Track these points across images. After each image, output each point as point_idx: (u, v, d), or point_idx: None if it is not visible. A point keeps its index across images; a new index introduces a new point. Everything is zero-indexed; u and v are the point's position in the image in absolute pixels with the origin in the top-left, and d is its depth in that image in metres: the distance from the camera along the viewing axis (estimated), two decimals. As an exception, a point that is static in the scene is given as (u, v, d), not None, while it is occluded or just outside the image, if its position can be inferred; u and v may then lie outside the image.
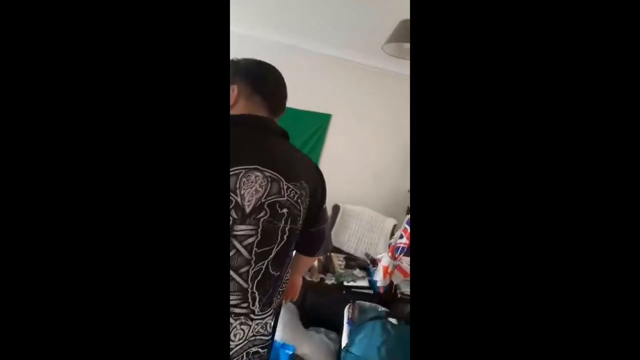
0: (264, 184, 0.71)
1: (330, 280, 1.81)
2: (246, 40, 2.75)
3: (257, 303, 0.75)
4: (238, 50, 3.00)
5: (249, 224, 0.70)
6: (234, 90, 0.81)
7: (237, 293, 0.73)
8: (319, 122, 2.96)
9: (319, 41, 2.63)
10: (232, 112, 0.80)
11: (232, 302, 0.72)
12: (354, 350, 1.49)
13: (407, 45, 1.58)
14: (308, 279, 1.79)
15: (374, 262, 1.88)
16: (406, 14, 1.47)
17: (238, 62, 0.85)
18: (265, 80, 0.84)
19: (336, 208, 2.83)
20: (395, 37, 1.55)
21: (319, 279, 1.80)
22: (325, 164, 3.00)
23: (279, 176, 0.73)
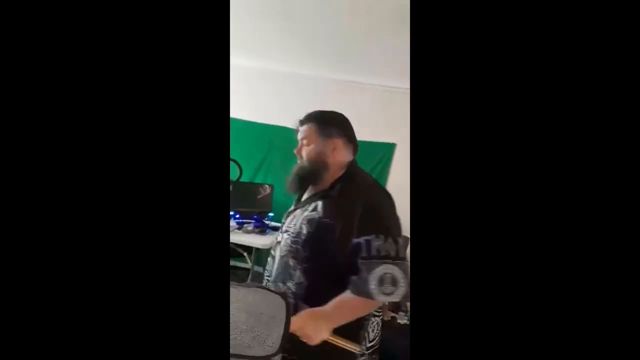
0: None
1: (402, 320, 1.68)
2: (307, 79, 2.90)
3: None
4: (303, 89, 3.17)
5: None
6: (338, 143, 0.96)
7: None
8: (383, 152, 2.92)
9: (375, 74, 2.66)
10: (338, 158, 0.96)
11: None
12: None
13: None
14: (378, 316, 1.69)
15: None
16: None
17: (323, 116, 0.98)
18: (350, 128, 1.00)
19: (406, 239, 2.69)
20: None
21: (389, 318, 1.69)
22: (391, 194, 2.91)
23: None
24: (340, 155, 0.96)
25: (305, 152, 0.97)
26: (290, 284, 0.91)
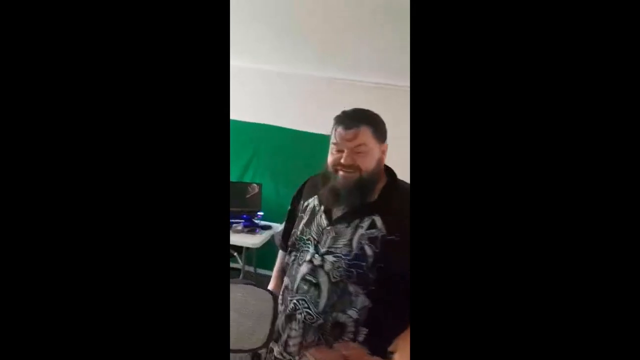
0: None
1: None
2: (292, 77, 2.91)
3: None
4: (288, 87, 3.16)
5: None
6: (386, 148, 0.87)
7: None
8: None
9: (364, 71, 2.68)
10: (384, 164, 0.88)
11: None
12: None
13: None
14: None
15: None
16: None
17: (376, 117, 0.86)
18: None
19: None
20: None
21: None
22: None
23: None
24: (384, 161, 0.87)
25: (362, 161, 0.81)
26: (352, 312, 0.79)
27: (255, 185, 2.83)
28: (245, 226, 2.52)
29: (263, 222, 2.65)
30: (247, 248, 2.51)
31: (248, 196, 2.78)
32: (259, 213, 2.73)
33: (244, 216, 2.59)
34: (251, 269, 2.98)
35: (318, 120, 2.83)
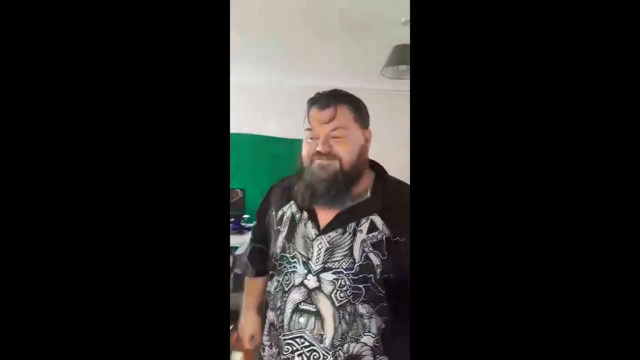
0: None
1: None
2: (279, 87, 3.16)
3: None
4: (273, 97, 3.33)
5: None
6: (370, 134, 0.77)
7: None
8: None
9: (322, 76, 2.91)
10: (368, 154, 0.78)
11: None
12: None
13: (403, 67, 1.83)
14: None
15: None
16: (397, 40, 1.69)
17: (356, 98, 0.76)
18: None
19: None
20: (391, 61, 1.79)
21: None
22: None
23: None
24: (369, 149, 0.76)
25: (341, 147, 0.69)
26: (367, 338, 0.67)
27: (238, 190, 3.04)
28: (233, 229, 2.73)
29: (249, 225, 2.87)
30: (236, 248, 2.71)
31: (232, 201, 2.98)
32: (244, 216, 2.94)
33: (233, 219, 2.80)
34: (239, 271, 3.14)
35: (296, 127, 3.05)
